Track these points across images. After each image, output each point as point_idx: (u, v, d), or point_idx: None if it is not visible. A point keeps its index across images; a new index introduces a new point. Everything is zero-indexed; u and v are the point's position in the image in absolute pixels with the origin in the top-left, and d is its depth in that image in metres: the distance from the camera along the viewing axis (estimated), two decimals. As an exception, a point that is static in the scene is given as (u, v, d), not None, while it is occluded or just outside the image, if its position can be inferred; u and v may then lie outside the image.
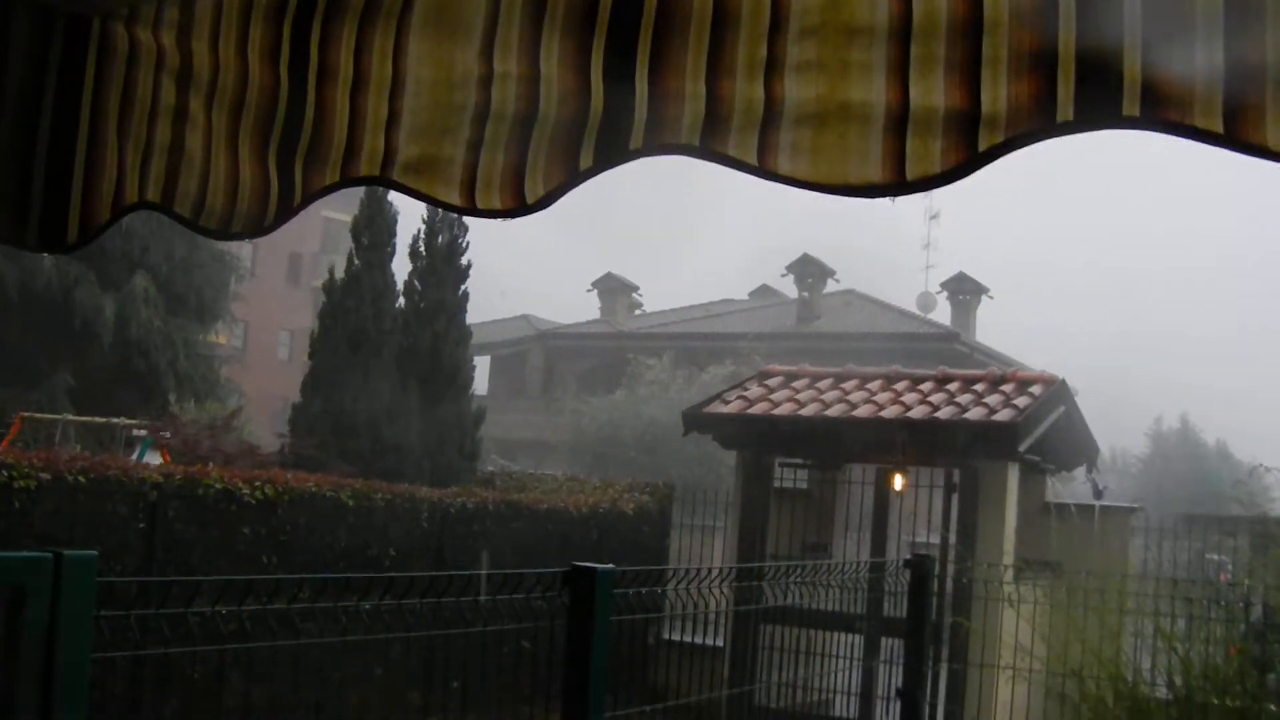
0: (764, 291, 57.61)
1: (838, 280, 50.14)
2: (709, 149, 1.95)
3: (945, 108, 1.80)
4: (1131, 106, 1.70)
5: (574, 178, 2.09)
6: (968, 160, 1.79)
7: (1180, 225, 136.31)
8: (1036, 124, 1.76)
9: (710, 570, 6.59)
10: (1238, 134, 1.67)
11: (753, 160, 1.92)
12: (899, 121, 1.83)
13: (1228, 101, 1.67)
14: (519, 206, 2.14)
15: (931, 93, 1.82)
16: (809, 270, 48.39)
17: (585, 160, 2.07)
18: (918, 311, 49.37)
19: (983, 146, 1.78)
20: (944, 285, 51.07)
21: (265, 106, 2.46)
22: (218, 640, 4.26)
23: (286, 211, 2.46)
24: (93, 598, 2.78)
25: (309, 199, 2.42)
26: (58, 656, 2.63)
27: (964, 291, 50.44)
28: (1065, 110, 1.74)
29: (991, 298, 51.40)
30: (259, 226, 2.49)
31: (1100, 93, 1.72)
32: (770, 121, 1.91)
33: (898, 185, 1.84)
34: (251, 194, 2.49)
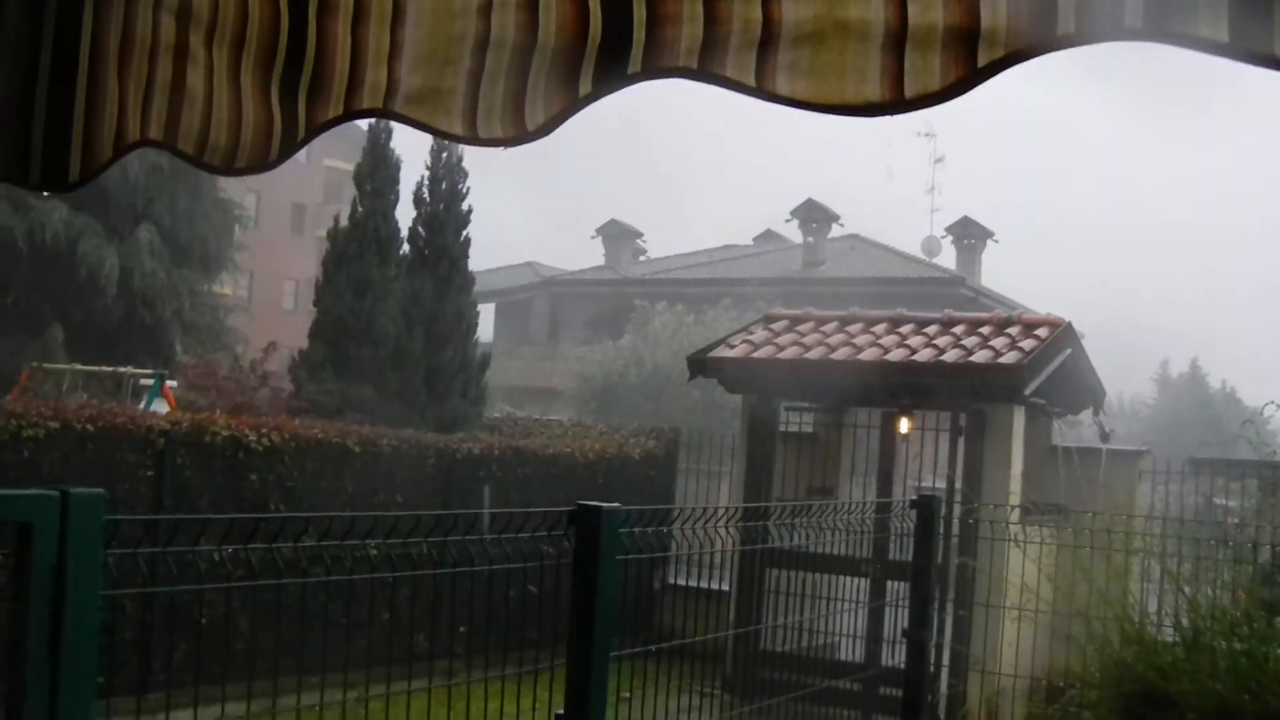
0: (768, 237, 57.50)
1: (842, 225, 50.02)
2: (707, 71, 1.95)
3: (944, 24, 1.79)
4: (1134, 17, 1.68)
5: (574, 104, 2.08)
6: (967, 76, 1.78)
7: (1193, 178, 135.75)
8: (1037, 37, 1.75)
9: (716, 510, 6.60)
10: (1244, 43, 1.64)
11: (750, 81, 1.91)
12: (898, 38, 1.82)
13: (1234, 8, 1.64)
14: (520, 134, 2.14)
15: (930, 9, 1.81)
16: (813, 215, 48.23)
17: (584, 86, 2.07)
18: (923, 256, 49.23)
19: (982, 62, 1.77)
20: (949, 230, 50.91)
21: (266, 41, 2.45)
22: (224, 581, 4.28)
23: (290, 146, 2.45)
24: (100, 535, 2.78)
25: (313, 133, 2.42)
26: (67, 595, 2.64)
27: (969, 236, 50.28)
28: (1066, 22, 1.73)
29: (997, 242, 51.35)
30: (263, 162, 2.48)
31: (1102, 2, 1.70)
32: (768, 42, 1.90)
33: (897, 103, 1.83)
34: (255, 129, 2.48)
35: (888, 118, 1.88)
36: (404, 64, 2.26)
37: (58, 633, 2.64)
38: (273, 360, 23.70)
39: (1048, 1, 1.73)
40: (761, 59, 1.91)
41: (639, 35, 2.00)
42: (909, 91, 1.82)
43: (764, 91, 1.90)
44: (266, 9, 2.45)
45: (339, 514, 4.68)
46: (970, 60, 1.78)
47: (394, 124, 19.29)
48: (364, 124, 20.72)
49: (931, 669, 9.82)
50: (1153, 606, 8.85)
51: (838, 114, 1.87)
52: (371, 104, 2.31)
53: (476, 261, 21.49)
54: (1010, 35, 1.76)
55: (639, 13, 2.00)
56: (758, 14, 1.91)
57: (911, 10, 1.81)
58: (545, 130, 2.12)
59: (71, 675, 2.65)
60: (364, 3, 2.32)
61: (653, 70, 2.00)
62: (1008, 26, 1.76)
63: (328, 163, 66.31)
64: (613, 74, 2.04)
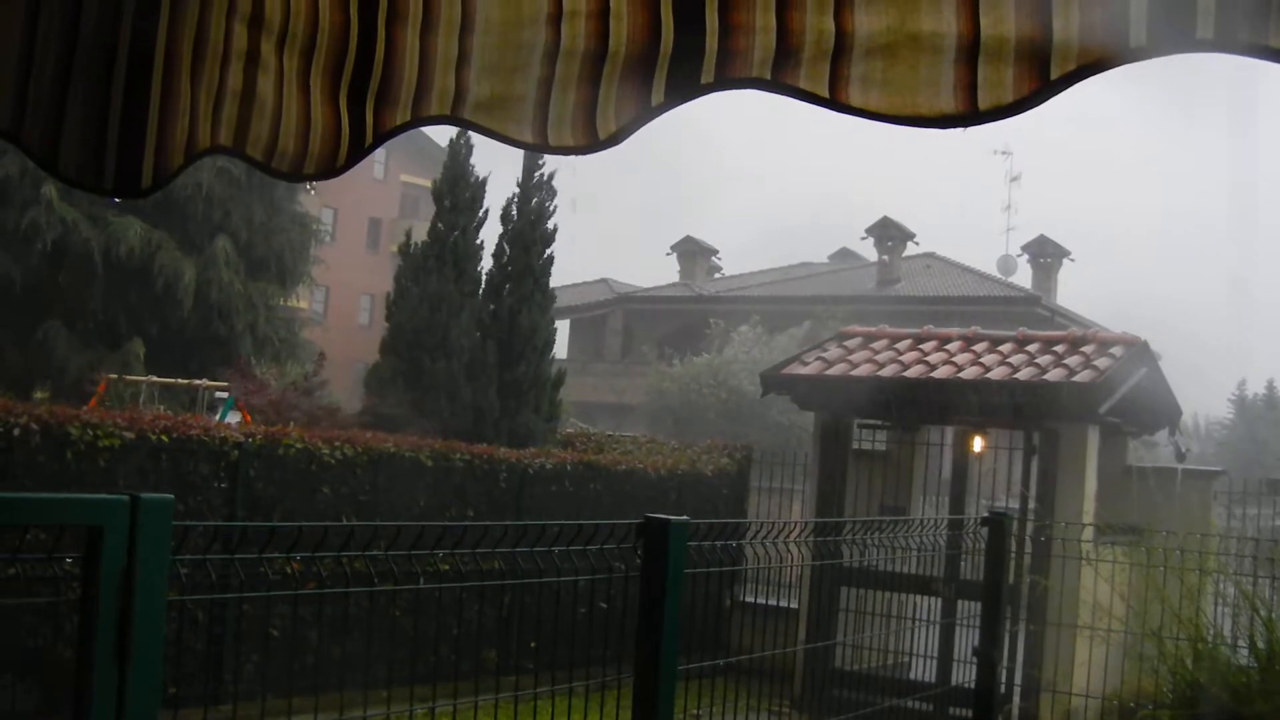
0: (843, 255, 57.51)
1: (917, 243, 49.97)
2: (780, 82, 1.94)
3: (1016, 36, 1.78)
4: (1205, 29, 1.67)
5: (646, 113, 2.08)
6: (1040, 88, 1.77)
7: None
8: (1109, 50, 1.73)
9: (786, 524, 6.58)
10: None
11: (824, 93, 1.91)
12: (970, 51, 1.81)
13: None
14: (591, 143, 2.14)
15: (1002, 21, 1.80)
16: (888, 233, 48.15)
17: (657, 96, 2.06)
18: (998, 275, 49.04)
19: (1055, 74, 1.76)
20: (1024, 248, 50.73)
21: (336, 48, 2.47)
22: (294, 589, 4.31)
23: (358, 152, 2.47)
24: (168, 540, 2.81)
25: (381, 139, 2.43)
26: (135, 597, 2.67)
27: (1045, 255, 50.08)
28: (1138, 35, 1.71)
29: (1073, 261, 51.07)
30: (331, 167, 2.50)
31: (1173, 15, 1.68)
32: (841, 53, 1.90)
33: (970, 115, 1.82)
34: (323, 136, 2.49)
35: (962, 131, 1.87)
36: (472, 72, 2.27)
37: (125, 635, 2.67)
38: (346, 375, 23.87)
39: (1119, 14, 1.72)
40: (835, 71, 1.90)
41: (711, 44, 2.00)
42: (982, 104, 1.81)
43: (837, 103, 1.90)
44: (337, 16, 2.47)
45: (408, 524, 4.70)
46: (1043, 73, 1.77)
47: (474, 140, 19.36)
48: (443, 140, 20.81)
49: (1002, 688, 9.74)
50: (1227, 627, 8.75)
51: (911, 125, 1.86)
52: (440, 111, 2.31)
53: (553, 278, 21.60)
54: (1082, 48, 1.75)
55: (711, 21, 2.00)
56: (830, 25, 1.91)
57: (984, 22, 1.80)
58: (617, 139, 2.12)
59: (138, 676, 2.68)
60: (433, 11, 2.33)
61: (725, 81, 2.00)
62: (1080, 39, 1.75)
63: (404, 178, 66.79)
64: (685, 84, 2.03)
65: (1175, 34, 1.69)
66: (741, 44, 1.98)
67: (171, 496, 2.81)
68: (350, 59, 2.43)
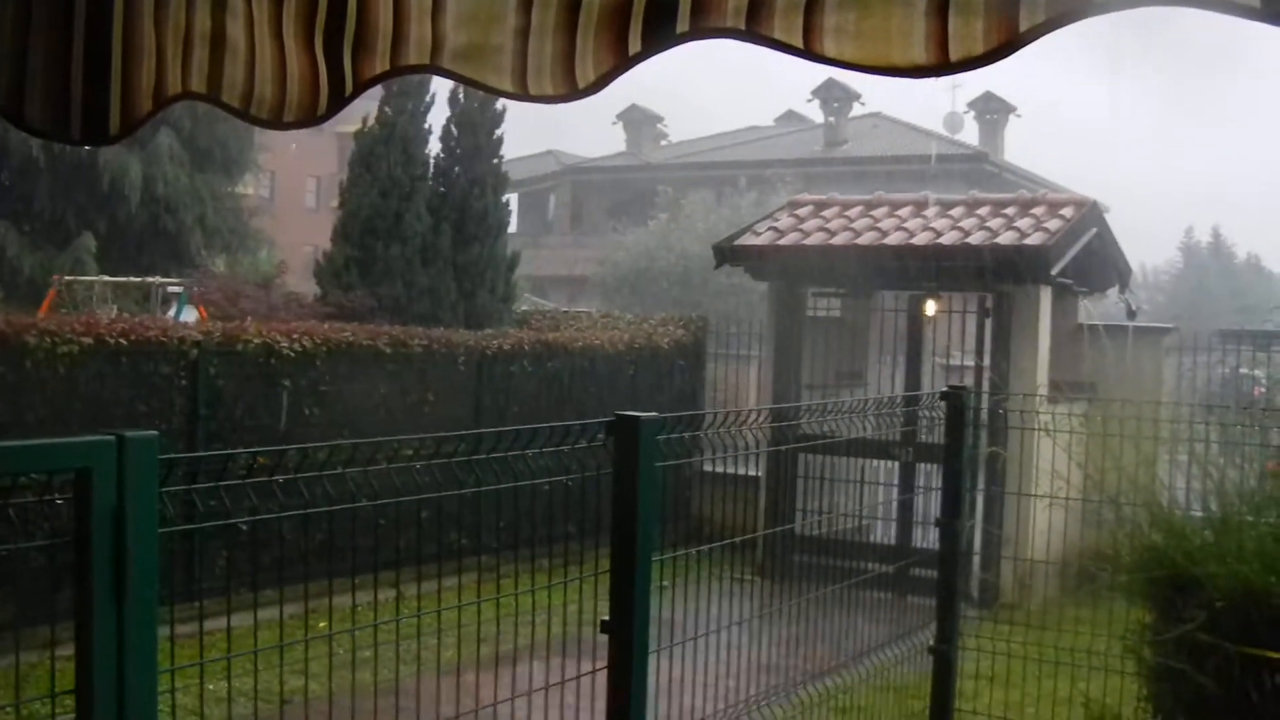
0: (790, 117, 57.23)
1: (863, 104, 49.75)
2: (754, 31, 1.96)
3: None
4: None
5: (624, 62, 2.09)
6: (1010, 40, 1.80)
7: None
8: (1077, 1, 1.77)
9: (749, 412, 6.65)
10: (1276, 8, 1.66)
11: (798, 43, 1.93)
12: (941, 3, 1.84)
13: None
14: (571, 92, 2.15)
15: None
16: (834, 94, 47.93)
17: (634, 45, 2.07)
18: (945, 133, 48.95)
19: (1024, 26, 1.79)
20: (971, 105, 50.67)
21: None
22: (275, 504, 4.37)
23: (339, 101, 2.44)
24: (155, 476, 2.85)
25: (361, 88, 2.41)
26: (127, 535, 2.71)
27: (991, 111, 50.05)
28: None
29: (1019, 116, 50.99)
30: (312, 115, 2.47)
31: None
32: (814, 4, 1.92)
33: (942, 66, 1.85)
34: (301, 83, 2.47)
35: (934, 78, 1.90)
36: (448, 20, 2.26)
37: (121, 572, 2.71)
38: (296, 259, 23.75)
39: None
40: (808, 21, 1.92)
41: None
42: (954, 55, 1.84)
43: (812, 53, 1.92)
44: None
45: (383, 440, 4.74)
46: (1013, 24, 1.80)
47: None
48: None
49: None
50: (1182, 492, 8.90)
51: (884, 75, 1.89)
52: (419, 60, 2.30)
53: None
54: (1050, 1, 1.78)
55: None
56: None
57: None
58: (596, 88, 2.13)
59: (136, 611, 2.74)
60: None
61: (701, 30, 2.01)
62: None
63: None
64: (661, 33, 2.04)
65: None
66: None
67: (156, 434, 2.83)
68: (322, 6, 2.41)
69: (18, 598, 9.33)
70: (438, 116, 20.82)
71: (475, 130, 20.61)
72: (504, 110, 21.04)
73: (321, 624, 5.68)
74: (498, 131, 20.88)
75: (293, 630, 5.14)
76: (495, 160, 20.84)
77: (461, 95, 20.67)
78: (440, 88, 20.92)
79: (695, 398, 18.87)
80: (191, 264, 26.99)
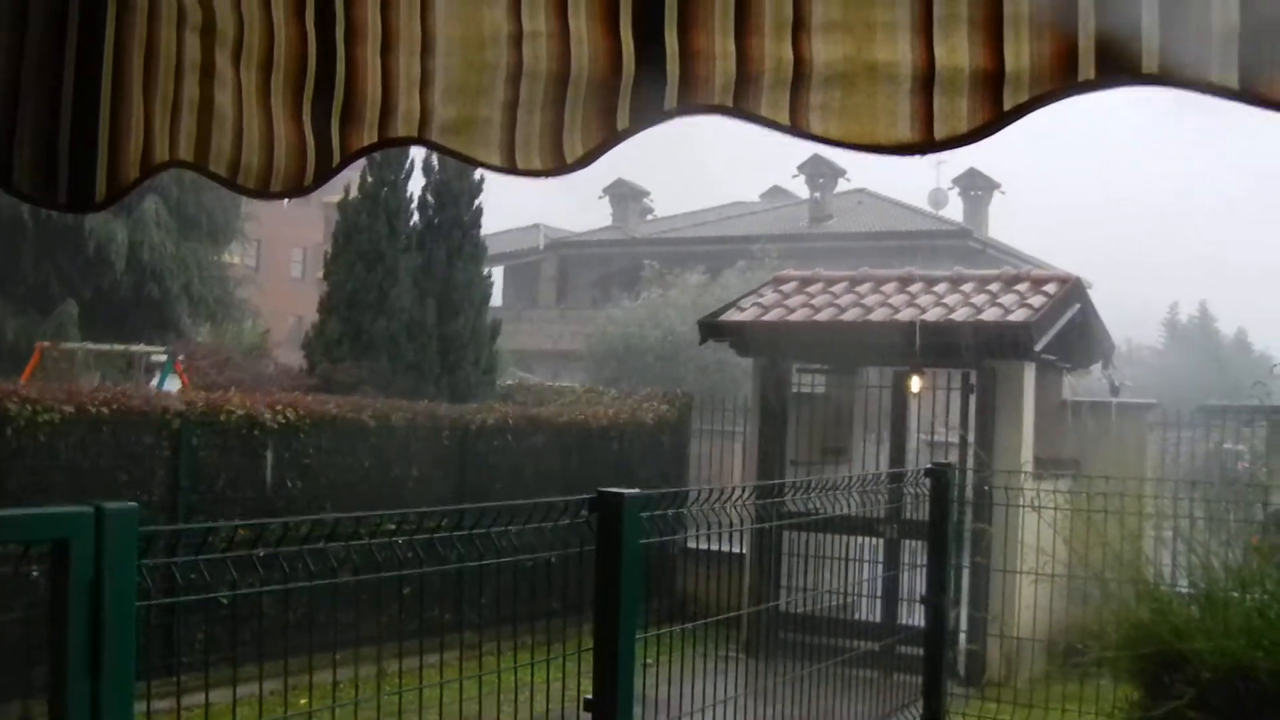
0: (776, 193, 57.41)
1: (849, 179, 49.94)
2: (742, 109, 1.96)
3: (970, 67, 1.82)
4: (1150, 64, 1.71)
5: (613, 137, 2.09)
6: (994, 119, 1.81)
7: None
8: (1059, 82, 1.78)
9: (732, 489, 6.63)
10: (1253, 90, 1.68)
11: (785, 120, 1.93)
12: (926, 81, 1.84)
13: (1243, 58, 1.68)
14: (559, 166, 2.14)
15: (956, 52, 1.83)
16: (820, 170, 48.12)
17: (622, 121, 2.07)
18: (929, 209, 49.20)
19: (1008, 105, 1.80)
20: (955, 181, 50.91)
21: (295, 65, 2.43)
22: (256, 577, 4.33)
23: (326, 171, 2.42)
24: (134, 548, 2.81)
25: (348, 159, 2.40)
26: (104, 608, 2.68)
27: (976, 187, 50.28)
28: (1086, 69, 1.76)
29: (1003, 193, 51.25)
30: (299, 186, 2.45)
31: (1120, 50, 1.73)
32: (800, 81, 1.92)
33: (926, 144, 1.85)
34: (289, 152, 2.45)
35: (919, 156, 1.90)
36: (436, 93, 2.25)
37: (97, 645, 2.68)
38: (280, 329, 23.73)
39: (1069, 49, 1.76)
40: (795, 99, 1.92)
41: (673, 70, 2.01)
42: (939, 134, 1.84)
43: (798, 130, 1.92)
44: (293, 31, 2.42)
45: (366, 514, 4.69)
46: (996, 103, 1.80)
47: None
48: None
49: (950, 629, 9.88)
50: (1167, 560, 8.89)
51: (870, 152, 1.89)
52: (407, 132, 2.29)
53: (484, 226, 21.43)
54: (1034, 80, 1.79)
55: (671, 45, 2.01)
56: (788, 53, 1.93)
57: (938, 53, 1.83)
58: (584, 163, 2.12)
59: (111, 686, 2.70)
60: (391, 29, 2.30)
61: (689, 107, 2.01)
62: (1031, 71, 1.78)
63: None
64: (649, 108, 2.04)
65: (1122, 69, 1.73)
66: (702, 71, 1.99)
67: (135, 505, 2.81)
68: (311, 76, 2.40)
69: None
70: (417, 186, 20.87)
71: (456, 201, 20.61)
72: (482, 180, 21.02)
73: (302, 700, 5.63)
74: (477, 201, 20.86)
75: (272, 707, 5.10)
76: (474, 230, 20.84)
77: (436, 164, 20.64)
78: (418, 156, 20.94)
79: (680, 474, 18.82)
80: (176, 332, 26.94)
